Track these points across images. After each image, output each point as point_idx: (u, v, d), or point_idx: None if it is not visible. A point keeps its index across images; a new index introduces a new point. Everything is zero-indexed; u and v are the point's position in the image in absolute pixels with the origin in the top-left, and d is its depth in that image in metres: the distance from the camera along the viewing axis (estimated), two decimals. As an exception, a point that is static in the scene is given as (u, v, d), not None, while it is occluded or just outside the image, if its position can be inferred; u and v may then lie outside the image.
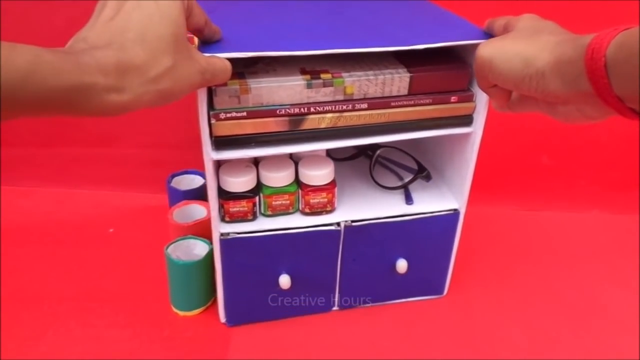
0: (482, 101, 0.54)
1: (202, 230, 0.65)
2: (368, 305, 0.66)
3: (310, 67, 0.52)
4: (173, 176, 0.72)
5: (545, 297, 0.69)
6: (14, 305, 0.65)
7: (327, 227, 0.58)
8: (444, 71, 0.53)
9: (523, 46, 0.38)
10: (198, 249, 0.65)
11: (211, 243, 0.62)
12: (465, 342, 0.62)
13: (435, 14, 0.59)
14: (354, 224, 0.59)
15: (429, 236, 0.62)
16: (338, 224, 0.59)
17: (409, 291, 0.67)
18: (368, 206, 0.61)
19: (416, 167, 0.65)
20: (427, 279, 0.66)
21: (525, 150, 0.85)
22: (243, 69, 0.51)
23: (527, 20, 0.43)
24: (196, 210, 0.68)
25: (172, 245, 0.64)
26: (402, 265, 0.62)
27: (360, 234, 0.60)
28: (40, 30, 0.75)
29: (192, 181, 0.74)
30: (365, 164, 0.66)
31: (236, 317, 0.63)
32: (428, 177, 0.63)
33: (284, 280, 0.59)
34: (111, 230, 0.78)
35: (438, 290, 0.68)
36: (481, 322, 0.65)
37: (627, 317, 0.67)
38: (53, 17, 0.74)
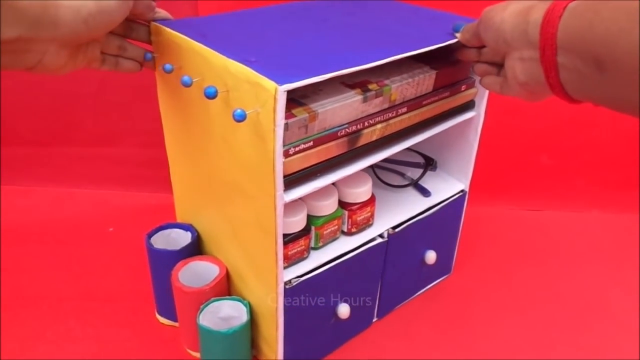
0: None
1: (220, 288, 0.56)
2: (400, 305, 0.66)
3: (351, 81, 0.48)
4: (149, 237, 0.60)
5: (545, 296, 0.69)
6: (14, 305, 0.65)
7: (374, 242, 0.56)
8: (458, 63, 0.55)
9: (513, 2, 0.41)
10: (224, 310, 0.56)
11: (243, 299, 0.55)
12: (488, 319, 0.66)
13: (426, 13, 0.59)
14: (395, 230, 0.58)
15: (444, 221, 0.65)
16: (381, 235, 0.57)
17: (429, 278, 0.69)
18: (394, 209, 0.60)
19: (412, 161, 0.66)
20: (441, 262, 0.69)
21: (525, 150, 0.85)
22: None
23: None
24: (199, 268, 0.58)
25: (202, 315, 0.53)
26: (431, 256, 0.63)
27: (399, 239, 0.59)
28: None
29: (169, 236, 0.62)
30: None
31: (293, 366, 0.56)
32: (435, 167, 0.65)
33: (344, 310, 0.55)
34: (111, 229, 0.78)
35: (447, 269, 0.71)
36: (486, 303, 0.68)
37: (626, 317, 0.66)
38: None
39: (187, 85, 0.45)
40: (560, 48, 0.35)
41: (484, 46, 0.48)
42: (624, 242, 0.80)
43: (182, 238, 0.62)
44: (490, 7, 0.44)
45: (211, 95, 0.42)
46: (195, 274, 0.58)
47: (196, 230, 0.61)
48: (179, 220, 0.65)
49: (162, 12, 0.52)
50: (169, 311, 0.62)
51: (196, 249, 0.61)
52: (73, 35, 0.40)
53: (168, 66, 0.49)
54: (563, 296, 0.69)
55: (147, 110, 0.75)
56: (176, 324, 0.62)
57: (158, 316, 0.64)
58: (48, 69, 0.42)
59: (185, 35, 0.48)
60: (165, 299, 0.61)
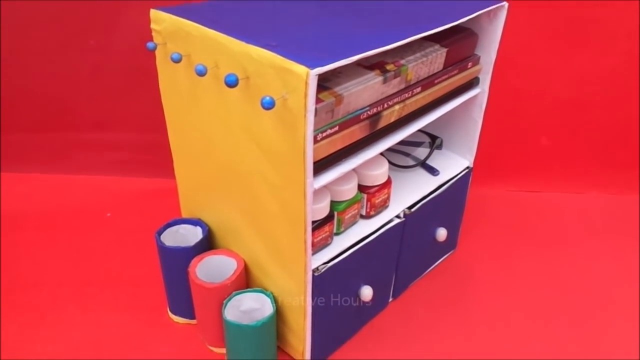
0: (487, 62, 0.58)
1: (240, 282, 0.55)
2: (413, 283, 0.67)
3: (367, 62, 0.48)
4: (159, 234, 0.58)
5: (544, 277, 0.69)
6: (13, 290, 0.65)
7: (392, 223, 0.56)
8: (465, 40, 0.55)
9: None
10: (246, 303, 0.55)
11: (265, 291, 0.54)
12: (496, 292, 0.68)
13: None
14: (411, 210, 0.58)
15: (452, 198, 0.65)
16: (398, 215, 0.57)
17: (438, 254, 0.70)
18: (405, 189, 0.60)
19: (415, 140, 0.66)
20: (448, 238, 0.69)
21: (524, 131, 0.83)
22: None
23: None
24: (215, 263, 0.57)
25: (226, 309, 0.52)
26: (442, 233, 0.64)
27: (415, 218, 0.59)
28: (40, 30, 0.76)
29: (177, 233, 0.60)
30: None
31: (320, 352, 0.56)
32: (441, 146, 0.65)
33: (367, 292, 0.55)
34: (109, 214, 0.79)
35: (452, 245, 0.72)
36: (493, 278, 0.69)
37: (626, 297, 0.66)
38: (54, 16, 0.76)
39: (202, 74, 0.44)
40: None
41: None
42: (623, 222, 0.79)
43: (191, 233, 0.60)
44: None
45: (232, 84, 0.41)
46: (211, 269, 0.56)
47: (206, 225, 0.59)
48: (184, 215, 0.63)
49: None
50: (183, 309, 0.60)
51: (208, 243, 0.59)
52: None
53: (176, 55, 0.47)
54: (561, 277, 0.69)
55: (143, 95, 0.77)
56: (192, 322, 0.61)
57: (171, 315, 0.62)
58: None
59: (194, 21, 0.46)
60: (180, 297, 0.59)
